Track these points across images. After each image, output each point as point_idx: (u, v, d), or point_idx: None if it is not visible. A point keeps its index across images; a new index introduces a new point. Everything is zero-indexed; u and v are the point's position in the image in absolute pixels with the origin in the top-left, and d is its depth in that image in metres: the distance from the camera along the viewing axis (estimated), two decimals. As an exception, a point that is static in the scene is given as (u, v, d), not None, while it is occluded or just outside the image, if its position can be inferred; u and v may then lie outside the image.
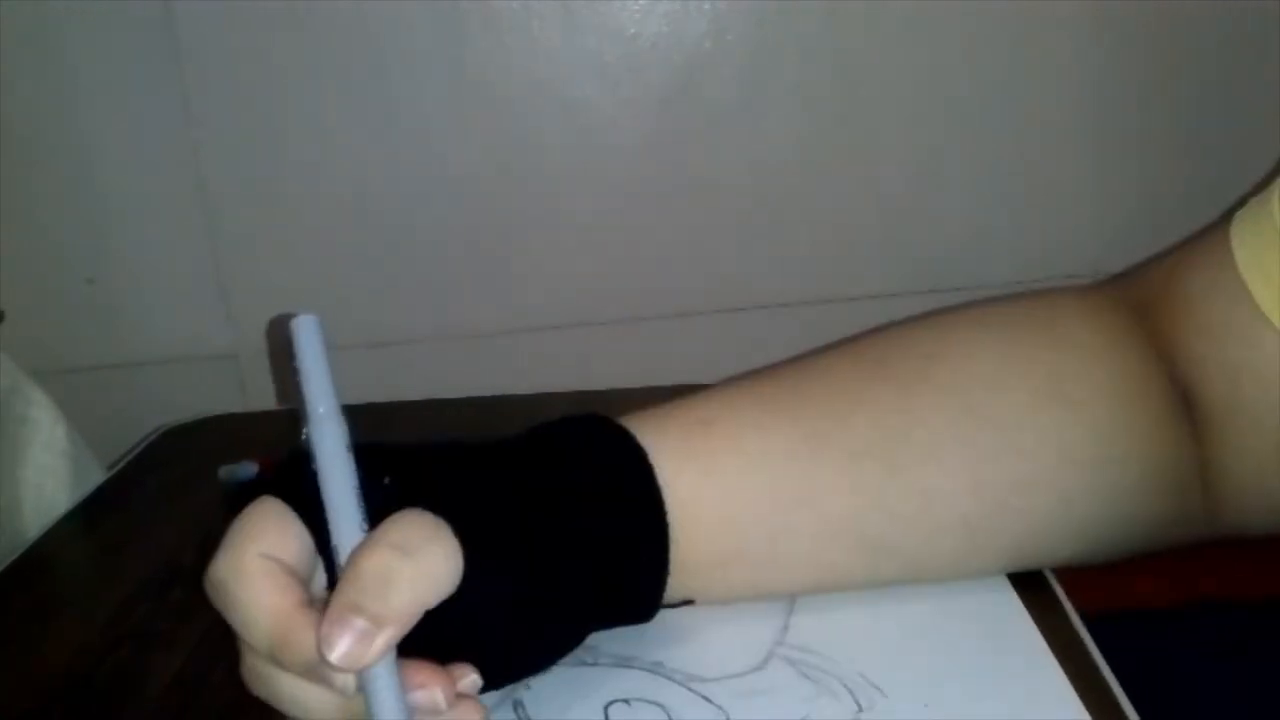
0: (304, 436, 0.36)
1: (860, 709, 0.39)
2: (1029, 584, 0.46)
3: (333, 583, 0.35)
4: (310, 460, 0.35)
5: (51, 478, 0.67)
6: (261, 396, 0.87)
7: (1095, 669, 0.42)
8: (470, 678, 0.36)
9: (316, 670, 0.33)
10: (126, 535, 0.60)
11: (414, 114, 0.83)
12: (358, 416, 0.77)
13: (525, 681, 0.41)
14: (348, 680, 0.33)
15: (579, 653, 0.41)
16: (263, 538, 0.35)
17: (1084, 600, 0.46)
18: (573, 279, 0.87)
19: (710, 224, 0.86)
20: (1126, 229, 0.88)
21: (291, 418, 0.75)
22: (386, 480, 0.36)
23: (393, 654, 0.33)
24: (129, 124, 0.82)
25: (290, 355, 0.36)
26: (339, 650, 0.32)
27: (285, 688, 0.36)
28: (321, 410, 0.36)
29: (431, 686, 0.34)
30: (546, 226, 0.86)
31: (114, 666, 0.46)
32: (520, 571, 0.37)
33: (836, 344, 0.46)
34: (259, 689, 0.37)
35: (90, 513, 0.63)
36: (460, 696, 0.35)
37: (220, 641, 0.47)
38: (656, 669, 0.41)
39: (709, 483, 0.41)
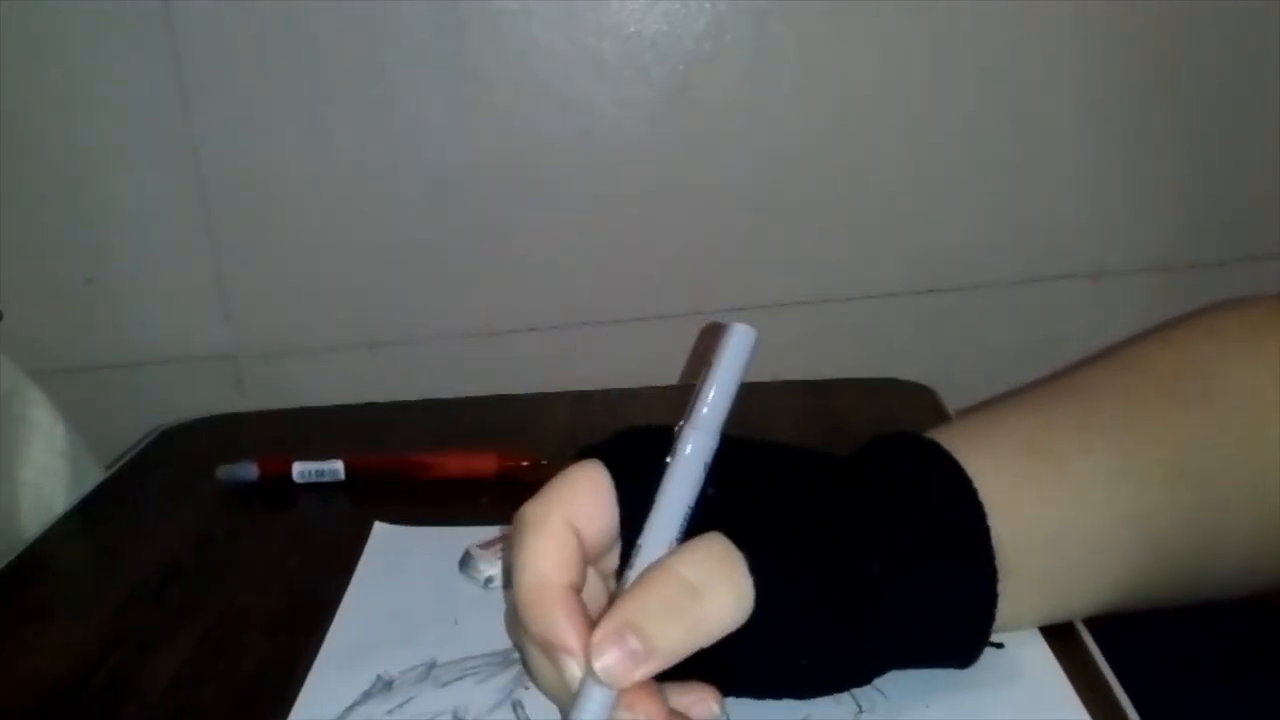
0: (676, 429, 0.36)
1: (861, 710, 0.39)
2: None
3: (620, 572, 0.36)
4: (664, 452, 0.36)
5: (50, 478, 0.66)
6: (260, 396, 0.87)
7: (1098, 670, 0.42)
8: (710, 706, 0.36)
9: (549, 650, 0.35)
10: (125, 535, 0.60)
11: (413, 113, 0.83)
12: (358, 417, 0.78)
13: (525, 683, 0.41)
14: (574, 675, 0.34)
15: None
16: (576, 505, 0.37)
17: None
18: (573, 279, 0.86)
19: (710, 223, 0.86)
20: (1127, 229, 0.88)
21: (298, 417, 0.75)
22: (710, 491, 0.36)
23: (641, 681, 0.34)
24: (128, 124, 0.82)
25: (710, 359, 0.36)
26: (605, 662, 0.33)
27: (527, 646, 0.37)
28: (706, 418, 0.35)
29: (639, 712, 0.34)
30: (546, 226, 0.85)
31: (113, 667, 0.46)
32: (812, 613, 0.36)
33: (1090, 362, 0.47)
34: (511, 633, 0.40)
35: (89, 513, 0.63)
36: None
37: (219, 642, 0.47)
38: (657, 669, 0.41)
39: (1043, 511, 0.41)
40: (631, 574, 0.35)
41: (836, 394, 0.69)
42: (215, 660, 0.46)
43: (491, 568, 0.48)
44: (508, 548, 0.38)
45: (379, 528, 0.54)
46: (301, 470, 0.61)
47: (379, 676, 0.42)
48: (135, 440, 0.73)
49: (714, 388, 0.35)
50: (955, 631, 0.39)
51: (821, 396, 0.69)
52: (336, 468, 0.61)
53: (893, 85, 0.84)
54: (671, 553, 0.35)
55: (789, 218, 0.87)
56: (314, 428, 0.72)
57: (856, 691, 0.39)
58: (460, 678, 0.42)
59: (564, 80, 0.83)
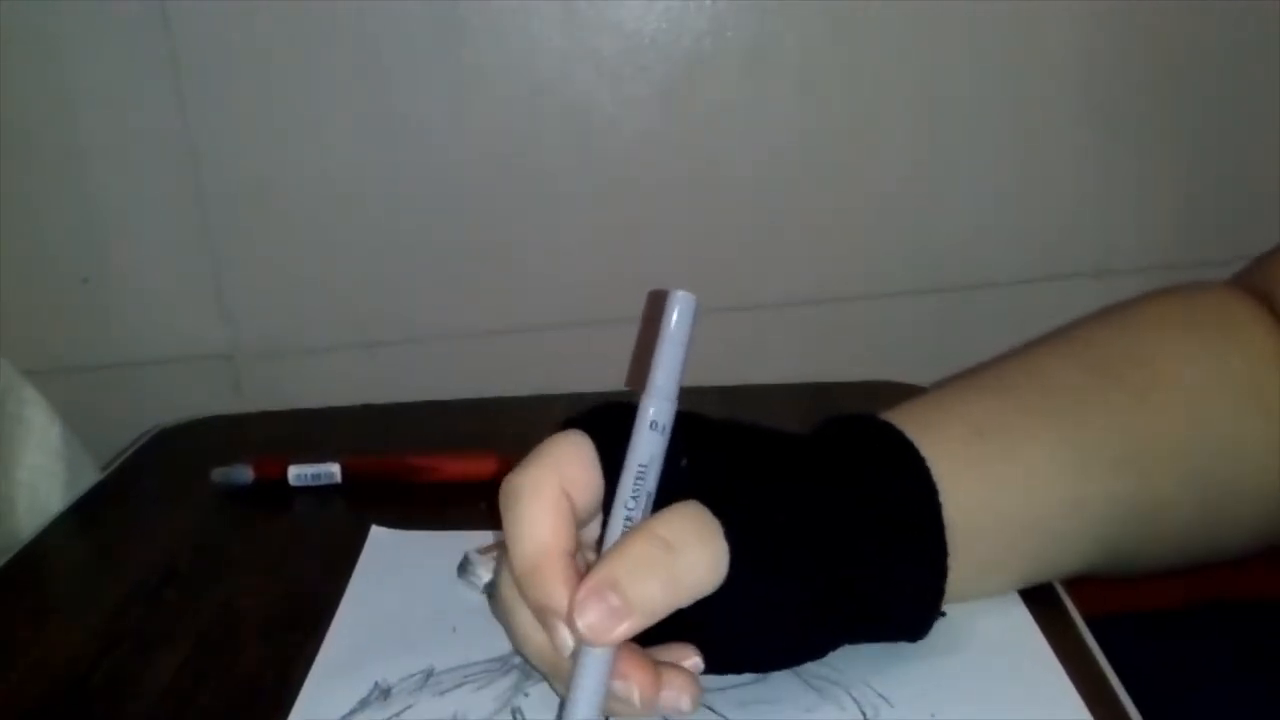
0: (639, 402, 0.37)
1: (865, 718, 0.38)
2: (1033, 588, 0.45)
3: (600, 544, 0.37)
4: (630, 422, 0.37)
5: (46, 478, 0.66)
6: (257, 396, 0.87)
7: (1101, 674, 0.41)
8: (693, 660, 0.37)
9: (546, 618, 0.35)
10: (121, 537, 0.59)
11: (412, 112, 0.82)
12: (355, 418, 0.77)
13: (524, 689, 0.41)
14: (567, 641, 0.35)
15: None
16: (568, 470, 0.37)
17: (1089, 604, 0.46)
18: (572, 279, 0.86)
19: (710, 223, 0.86)
20: (1129, 228, 0.88)
21: (294, 418, 0.75)
22: (684, 462, 0.37)
23: (624, 639, 0.35)
24: (125, 123, 0.81)
25: (655, 326, 0.37)
26: (588, 619, 0.34)
27: (519, 619, 0.37)
28: (661, 386, 0.37)
29: (632, 682, 0.35)
30: (545, 225, 0.85)
31: (109, 668, 0.46)
32: (781, 584, 0.37)
33: (1037, 343, 0.48)
34: (498, 613, 0.40)
35: (85, 513, 0.63)
36: (670, 681, 0.36)
37: (215, 646, 0.47)
38: (658, 676, 0.41)
39: (989, 492, 0.42)
40: (605, 533, 0.36)
41: (839, 397, 0.69)
42: (211, 664, 0.46)
43: (490, 573, 0.48)
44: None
45: (376, 532, 0.54)
46: (297, 473, 0.61)
47: (377, 684, 0.42)
48: (130, 440, 0.73)
49: (664, 356, 0.37)
50: (906, 607, 0.40)
51: (824, 400, 0.69)
52: (332, 470, 0.61)
53: (893, 85, 0.84)
54: (651, 516, 0.36)
55: (789, 217, 0.86)
56: (311, 429, 0.72)
57: (861, 700, 0.39)
58: (459, 685, 0.42)
59: (563, 79, 0.82)
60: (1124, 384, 0.45)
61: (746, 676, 0.41)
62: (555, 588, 0.35)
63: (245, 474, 0.61)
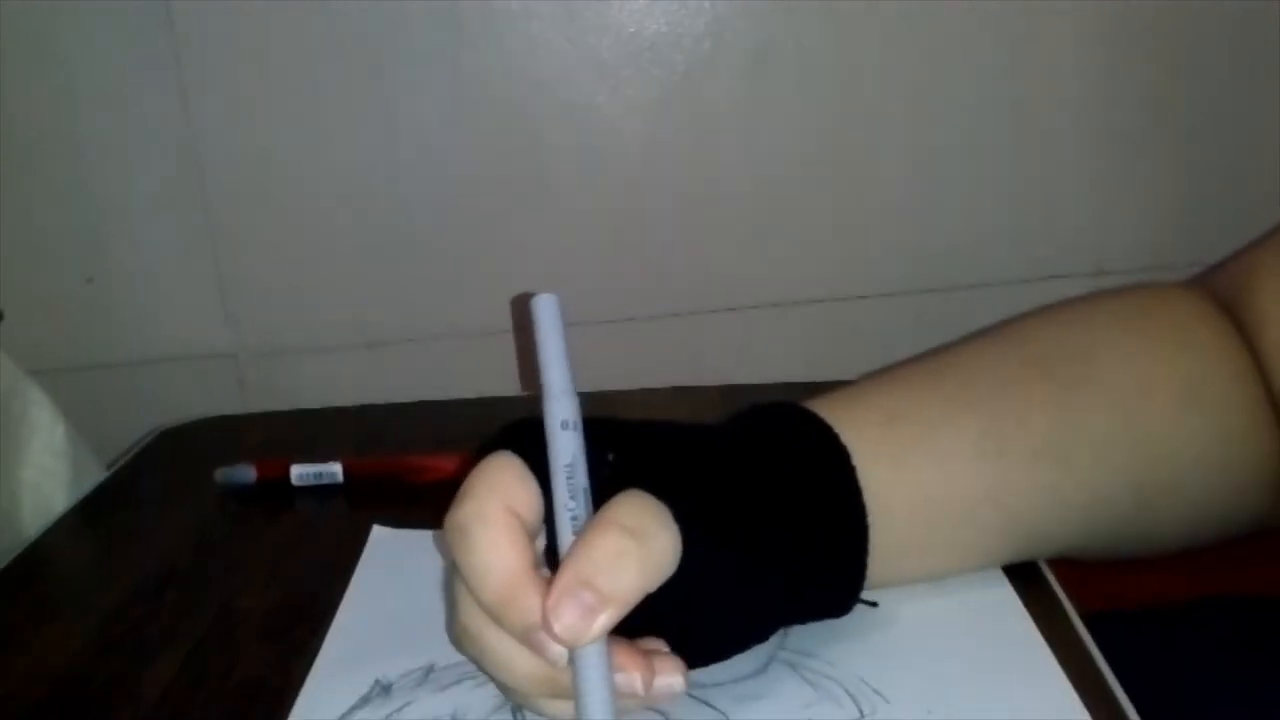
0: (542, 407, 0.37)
1: (862, 714, 0.39)
2: (1029, 585, 0.46)
3: (550, 551, 0.36)
4: (541, 431, 0.36)
5: (50, 478, 0.66)
6: (260, 396, 0.87)
7: (1097, 670, 0.41)
8: (666, 653, 0.37)
9: (532, 637, 0.34)
10: (123, 537, 0.60)
11: (412, 112, 0.83)
12: (357, 418, 0.78)
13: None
14: (561, 652, 0.34)
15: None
16: (506, 491, 0.36)
17: (1085, 600, 0.46)
18: (572, 279, 0.86)
19: (710, 223, 0.86)
20: (1127, 228, 0.88)
21: (297, 418, 0.75)
22: (610, 457, 0.37)
23: (605, 634, 0.34)
24: (128, 123, 0.82)
25: (530, 334, 0.38)
26: (564, 622, 0.33)
27: (497, 649, 0.36)
28: (555, 384, 0.37)
29: (632, 671, 0.35)
30: (546, 226, 0.85)
31: (111, 668, 0.46)
32: (730, 561, 0.37)
33: (976, 337, 0.48)
34: (468, 648, 0.38)
35: (88, 513, 0.63)
36: (660, 666, 0.36)
37: (217, 645, 0.47)
38: (656, 673, 0.41)
39: (900, 477, 0.42)
40: (557, 540, 0.36)
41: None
42: (212, 663, 0.46)
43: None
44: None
45: (377, 531, 0.54)
46: (300, 473, 0.61)
47: (377, 680, 0.42)
48: (135, 439, 0.73)
49: (548, 357, 0.37)
50: (832, 582, 0.40)
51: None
52: (335, 470, 0.61)
53: (893, 85, 0.84)
54: (604, 508, 0.35)
55: (789, 217, 0.86)
56: (313, 429, 0.72)
57: (858, 696, 0.39)
58: (459, 681, 0.42)
59: (563, 80, 0.82)
60: (1054, 377, 0.45)
61: (744, 671, 0.41)
62: (536, 605, 0.34)
63: (248, 474, 0.61)
